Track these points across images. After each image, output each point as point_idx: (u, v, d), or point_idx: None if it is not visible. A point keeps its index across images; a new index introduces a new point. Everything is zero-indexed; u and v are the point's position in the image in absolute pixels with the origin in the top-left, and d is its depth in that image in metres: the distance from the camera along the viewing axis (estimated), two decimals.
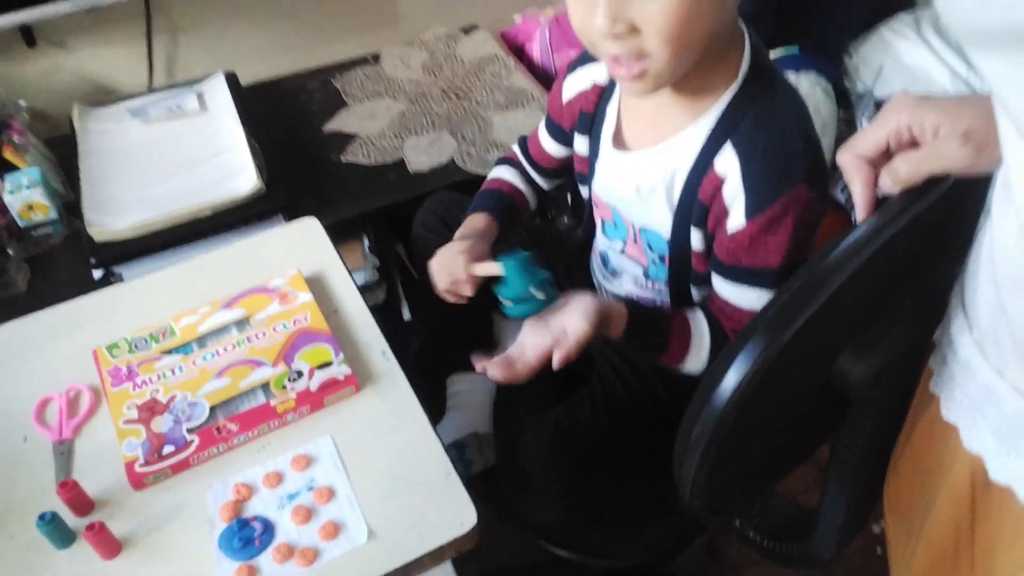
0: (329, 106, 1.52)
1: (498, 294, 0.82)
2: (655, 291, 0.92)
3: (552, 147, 0.99)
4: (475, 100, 1.51)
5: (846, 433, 0.74)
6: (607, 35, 0.70)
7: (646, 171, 0.84)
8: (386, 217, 1.38)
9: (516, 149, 1.05)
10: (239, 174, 1.25)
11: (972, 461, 0.66)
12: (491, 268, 0.84)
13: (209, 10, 1.51)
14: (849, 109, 1.54)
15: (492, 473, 0.97)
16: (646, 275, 0.92)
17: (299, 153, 1.42)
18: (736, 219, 0.79)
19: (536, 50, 1.65)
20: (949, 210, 0.68)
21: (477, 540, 0.69)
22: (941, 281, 0.70)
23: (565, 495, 0.87)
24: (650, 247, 0.89)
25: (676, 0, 0.67)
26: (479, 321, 1.05)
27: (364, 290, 1.39)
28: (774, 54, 1.48)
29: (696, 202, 0.81)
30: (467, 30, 1.68)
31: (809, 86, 1.45)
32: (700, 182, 0.80)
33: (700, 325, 0.83)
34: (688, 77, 0.76)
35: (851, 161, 0.64)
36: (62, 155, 1.36)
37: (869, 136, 0.64)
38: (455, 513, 0.70)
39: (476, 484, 0.95)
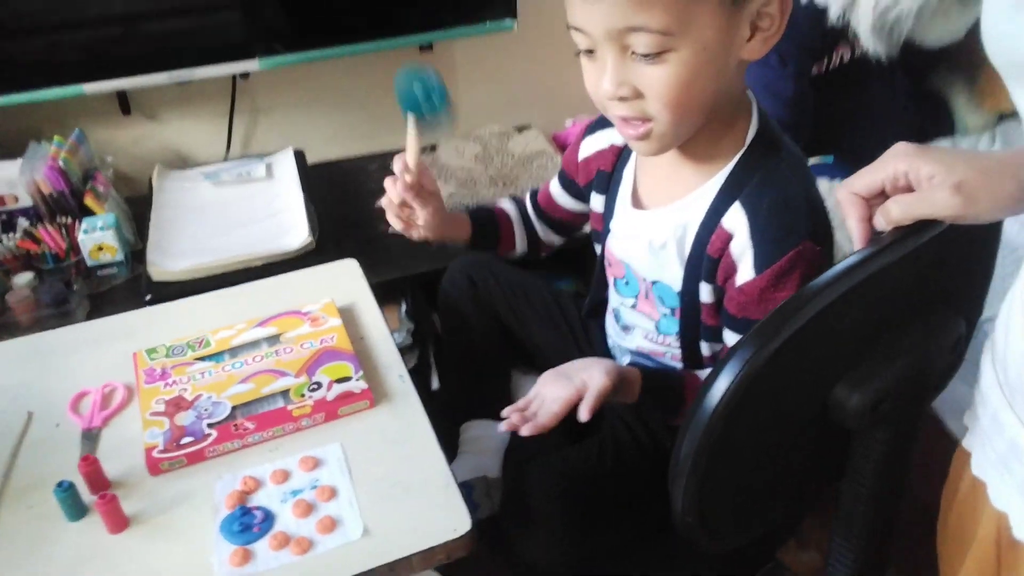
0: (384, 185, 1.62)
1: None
2: (665, 345, 0.95)
3: (562, 198, 1.06)
4: (520, 188, 1.59)
5: (849, 478, 0.74)
6: (613, 98, 0.77)
7: (659, 227, 0.89)
8: (424, 285, 1.44)
9: (526, 197, 1.13)
10: (293, 231, 1.33)
11: (999, 517, 0.67)
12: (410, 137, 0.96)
13: (287, 95, 1.66)
14: None
15: (497, 519, 0.97)
16: (657, 329, 0.95)
17: (351, 223, 1.51)
18: (745, 273, 0.83)
19: None
20: (947, 256, 0.70)
21: (468, 548, 0.70)
22: (942, 324, 0.72)
23: (568, 536, 0.86)
24: (662, 301, 0.92)
25: (675, 69, 0.74)
26: (498, 374, 1.08)
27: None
28: (810, 161, 1.54)
29: (705, 256, 0.85)
30: (520, 129, 1.80)
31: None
32: (709, 237, 0.85)
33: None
34: (697, 140, 0.83)
35: (847, 197, 0.68)
36: (138, 211, 1.48)
37: (866, 177, 0.68)
38: (450, 519, 0.71)
39: (482, 527, 0.96)
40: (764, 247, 0.81)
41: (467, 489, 0.93)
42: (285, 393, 0.83)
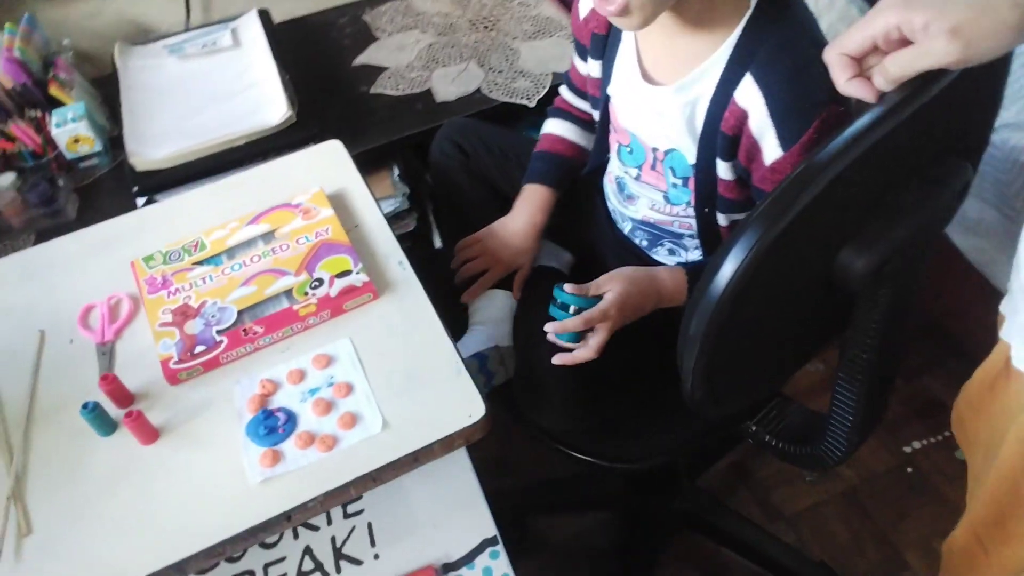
0: (359, 40, 1.54)
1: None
2: (673, 215, 0.93)
3: (584, 67, 0.99)
4: (502, 31, 1.52)
5: (854, 332, 0.75)
6: None
7: (667, 103, 0.84)
8: (415, 146, 1.41)
9: (561, 90, 1.07)
10: (270, 105, 1.28)
11: None
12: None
13: None
14: None
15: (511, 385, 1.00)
16: (666, 199, 0.93)
17: (330, 86, 1.45)
18: (772, 151, 0.79)
19: None
20: (953, 103, 0.67)
21: (485, 430, 0.73)
22: (949, 173, 0.70)
23: (578, 403, 0.90)
24: (673, 171, 0.89)
25: None
26: None
27: (395, 218, 1.43)
28: None
29: (720, 134, 0.81)
30: None
31: (845, 4, 1.42)
32: (722, 114, 0.80)
33: None
34: (693, 5, 0.77)
35: (836, 59, 0.64)
36: (106, 92, 1.42)
37: (856, 35, 0.63)
38: (464, 406, 0.73)
39: (498, 394, 1.00)
40: (787, 122, 0.76)
41: (481, 359, 0.95)
42: (288, 293, 0.83)
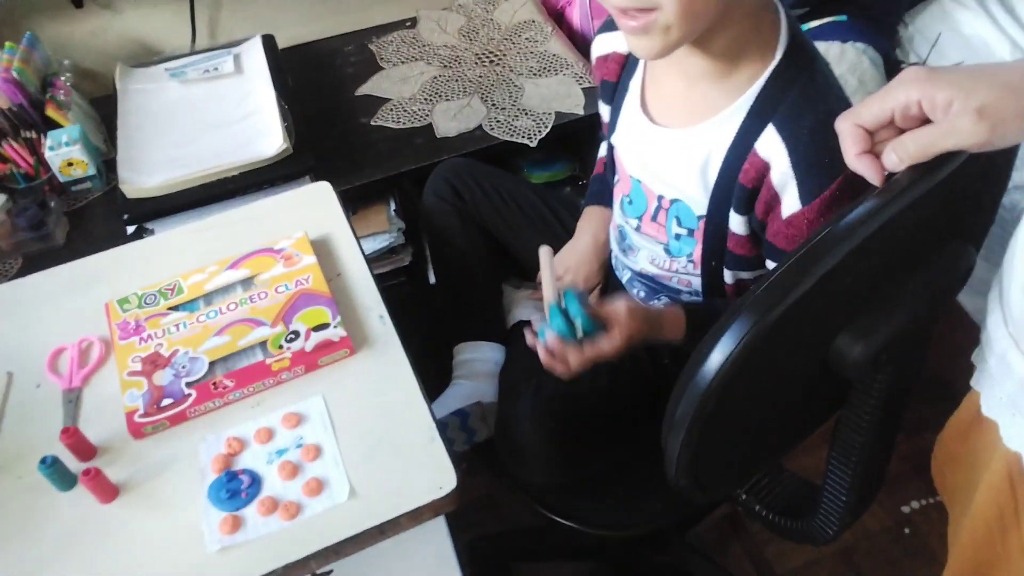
0: (364, 69, 1.53)
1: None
2: (672, 270, 0.90)
3: (604, 111, 0.95)
4: (508, 66, 1.49)
5: (848, 414, 0.71)
6: (629, 8, 0.67)
7: (679, 149, 0.81)
8: (413, 181, 1.38)
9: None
10: (267, 136, 1.26)
11: (1010, 455, 0.66)
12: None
13: None
14: None
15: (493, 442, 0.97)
16: (667, 251, 0.89)
17: (330, 114, 1.43)
18: (791, 204, 0.75)
19: (576, 16, 1.62)
20: (959, 188, 0.64)
21: (455, 503, 0.70)
22: (951, 264, 0.67)
23: (560, 461, 0.87)
24: (678, 221, 0.86)
25: None
26: (489, 291, 1.06)
27: (390, 252, 1.41)
28: (822, 21, 1.42)
29: (737, 185, 0.78)
30: None
31: (856, 55, 1.39)
32: (741, 165, 0.76)
33: None
34: (715, 48, 0.73)
35: (849, 130, 0.61)
36: (106, 113, 1.41)
37: (873, 107, 0.60)
38: (435, 477, 0.70)
39: (479, 450, 0.97)
40: (810, 177, 0.73)
41: (462, 416, 0.92)
42: (263, 345, 0.80)
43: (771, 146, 0.74)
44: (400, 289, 1.44)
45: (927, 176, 0.59)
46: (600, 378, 0.91)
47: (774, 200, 0.76)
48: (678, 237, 0.87)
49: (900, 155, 0.59)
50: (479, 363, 0.98)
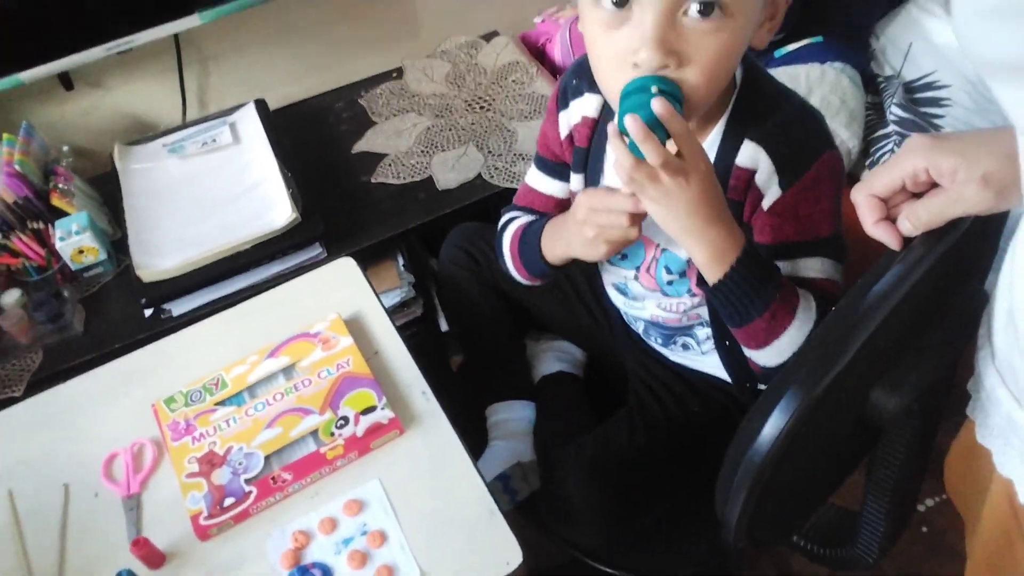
0: (357, 125, 1.55)
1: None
2: (678, 311, 0.91)
3: (553, 187, 0.95)
4: (498, 111, 1.52)
5: (883, 455, 0.75)
6: (654, 68, 0.66)
7: None
8: (419, 235, 1.41)
9: (508, 215, 0.99)
10: (275, 207, 1.28)
11: (1007, 482, 0.69)
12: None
13: (235, 38, 1.54)
14: (877, 94, 1.52)
15: (537, 498, 1.00)
16: (665, 295, 0.91)
17: (331, 177, 1.45)
18: (773, 195, 0.78)
19: (557, 52, 1.66)
20: (969, 244, 0.68)
21: None
22: (967, 306, 0.71)
23: (607, 520, 0.90)
24: (668, 270, 0.88)
25: (727, 36, 0.67)
26: (512, 350, 1.08)
27: (402, 305, 1.43)
28: (798, 44, 1.46)
29: (728, 202, 0.78)
30: (487, 36, 1.69)
31: (835, 75, 1.44)
32: (728, 183, 0.79)
33: (802, 291, 0.78)
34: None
35: (864, 200, 0.65)
36: (106, 192, 1.42)
37: (884, 177, 0.65)
38: (501, 552, 0.74)
39: (523, 506, 0.99)
40: (788, 166, 0.76)
41: (504, 480, 0.95)
42: (314, 434, 0.83)
43: (750, 154, 0.78)
44: (416, 338, 1.46)
45: (943, 239, 0.64)
46: (637, 436, 0.94)
47: (758, 199, 0.79)
48: (670, 283, 0.89)
49: (913, 223, 0.64)
50: (513, 423, 1.01)
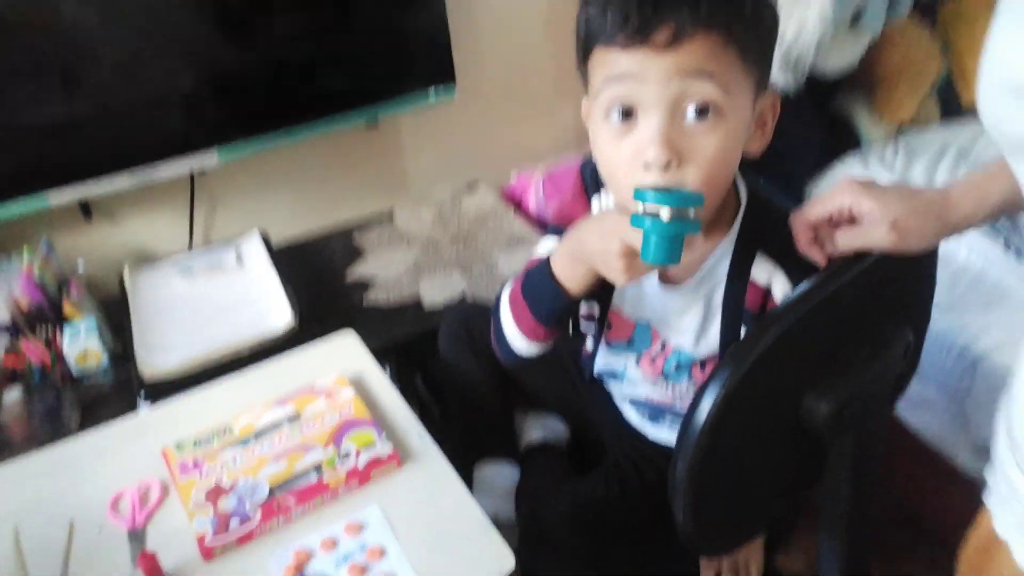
0: (351, 259, 1.69)
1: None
2: (675, 396, 0.96)
3: None
4: (482, 244, 1.69)
5: (828, 481, 0.84)
6: (660, 164, 0.72)
7: (688, 299, 0.89)
8: (406, 350, 1.50)
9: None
10: (274, 313, 1.39)
11: None
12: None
13: (244, 181, 1.72)
14: None
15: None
16: (665, 378, 0.95)
17: (326, 299, 1.57)
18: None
19: (532, 202, 1.86)
20: (890, 275, 0.82)
21: None
22: (892, 335, 0.83)
23: (583, 561, 0.93)
24: (677, 365, 0.93)
25: (723, 135, 0.73)
26: (503, 416, 1.15)
27: None
28: None
29: (744, 312, 0.87)
30: (470, 187, 1.89)
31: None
32: (743, 295, 0.86)
33: None
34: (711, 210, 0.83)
35: (800, 224, 0.81)
36: (109, 313, 1.51)
37: (818, 208, 0.80)
38: (495, 560, 0.78)
39: None
40: (798, 276, 0.82)
41: None
42: (318, 467, 0.88)
43: (766, 271, 0.85)
44: None
45: (856, 264, 0.78)
46: (612, 485, 1.00)
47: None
48: (677, 369, 0.94)
49: (829, 248, 0.79)
50: (499, 480, 1.06)
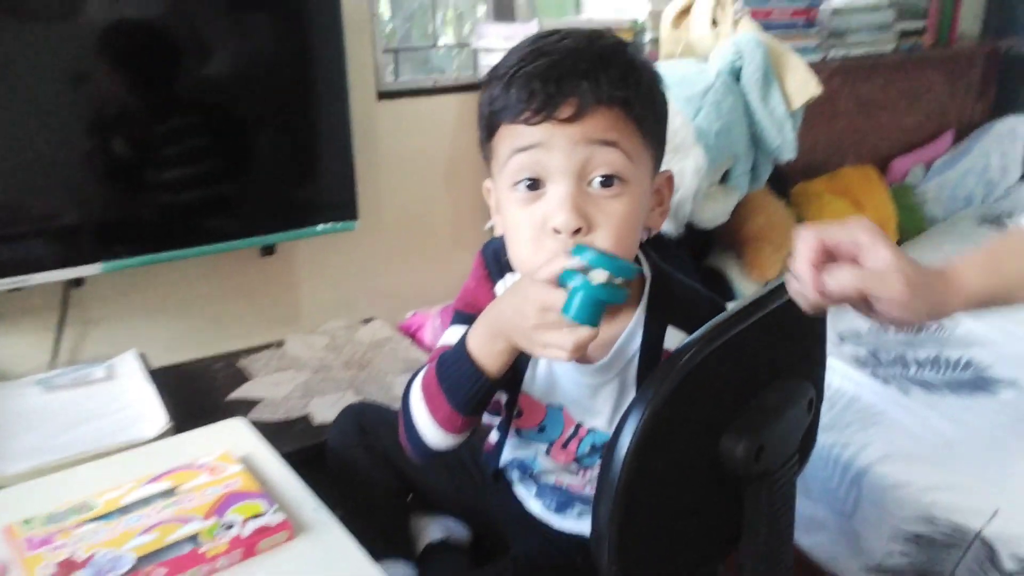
0: (234, 381, 1.59)
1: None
2: (587, 479, 0.93)
3: None
4: (376, 369, 1.64)
5: (745, 542, 0.83)
6: (569, 229, 0.74)
7: (604, 376, 0.88)
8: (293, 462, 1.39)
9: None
10: (146, 420, 1.27)
11: None
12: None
13: (122, 301, 1.62)
14: None
15: None
16: (579, 463, 0.92)
17: (205, 415, 1.45)
18: None
19: (427, 335, 1.84)
20: (788, 329, 0.86)
21: None
22: (795, 387, 0.86)
23: None
24: (593, 447, 0.90)
25: (628, 202, 0.76)
26: (400, 515, 1.06)
27: None
28: None
29: None
30: (366, 321, 1.86)
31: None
32: (657, 363, 0.85)
33: None
34: None
35: (808, 240, 0.74)
36: None
37: (833, 232, 0.74)
38: None
39: None
40: None
41: None
42: (194, 537, 0.77)
43: (677, 339, 0.85)
44: None
45: (760, 306, 0.80)
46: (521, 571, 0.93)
47: None
48: (591, 454, 0.91)
49: (834, 280, 0.72)
50: None
